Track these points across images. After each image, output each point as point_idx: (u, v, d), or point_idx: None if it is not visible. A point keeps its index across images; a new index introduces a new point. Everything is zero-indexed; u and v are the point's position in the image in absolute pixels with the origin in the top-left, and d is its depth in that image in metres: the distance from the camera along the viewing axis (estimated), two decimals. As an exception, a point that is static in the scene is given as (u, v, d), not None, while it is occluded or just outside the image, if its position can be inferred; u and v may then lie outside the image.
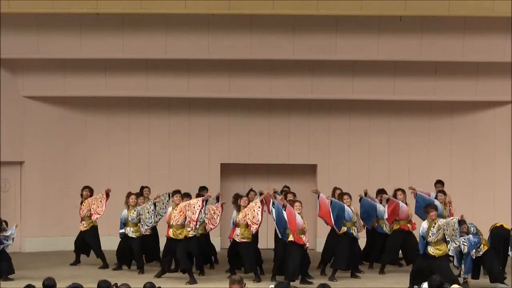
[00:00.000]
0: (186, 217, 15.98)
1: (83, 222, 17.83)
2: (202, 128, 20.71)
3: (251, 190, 17.94)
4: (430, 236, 14.46)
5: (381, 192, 17.79)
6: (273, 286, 9.95)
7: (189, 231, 16.10)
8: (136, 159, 20.69)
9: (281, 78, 19.89)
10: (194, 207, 15.95)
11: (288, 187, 18.75)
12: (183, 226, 16.06)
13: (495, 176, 20.08)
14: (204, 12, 18.89)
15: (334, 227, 16.30)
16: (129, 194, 17.45)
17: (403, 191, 17.19)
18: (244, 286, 9.09)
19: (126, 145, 20.73)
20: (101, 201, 17.60)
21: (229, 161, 20.81)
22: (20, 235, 19.62)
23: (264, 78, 19.89)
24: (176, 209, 16.14)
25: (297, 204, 15.82)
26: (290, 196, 17.22)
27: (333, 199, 16.56)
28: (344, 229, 16.31)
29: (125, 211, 17.29)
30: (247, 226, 16.01)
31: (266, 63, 19.68)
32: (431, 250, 14.48)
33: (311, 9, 18.77)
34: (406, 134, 20.65)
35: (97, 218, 17.53)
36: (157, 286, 10.20)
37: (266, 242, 19.21)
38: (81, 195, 18.04)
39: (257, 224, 15.87)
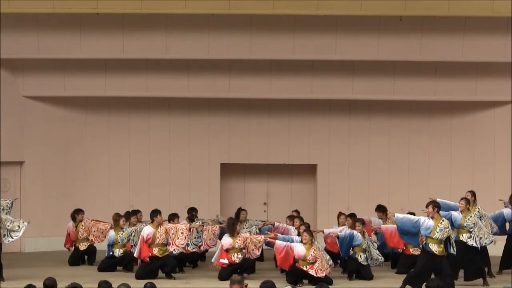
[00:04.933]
0: (168, 238, 16.14)
1: (83, 243, 17.91)
2: (202, 128, 20.71)
3: (241, 209, 18.13)
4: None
5: (380, 208, 17.93)
6: None
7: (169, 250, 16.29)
8: (136, 159, 20.70)
9: (281, 78, 19.89)
10: (179, 233, 16.10)
11: (297, 211, 18.59)
12: (165, 245, 16.18)
13: (495, 176, 20.08)
14: (204, 12, 18.89)
15: (342, 254, 16.38)
16: (119, 216, 17.34)
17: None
18: (245, 286, 9.08)
19: (126, 145, 20.73)
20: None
21: (229, 161, 20.81)
22: (20, 235, 19.64)
23: (264, 78, 19.88)
24: (161, 229, 16.12)
25: (305, 235, 15.63)
26: (296, 222, 17.25)
27: (340, 234, 16.29)
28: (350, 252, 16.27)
29: (112, 234, 17.19)
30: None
31: (266, 63, 19.68)
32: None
33: (311, 9, 18.77)
34: (406, 134, 20.65)
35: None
36: (157, 286, 10.18)
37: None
38: (74, 217, 18.06)
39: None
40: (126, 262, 16.96)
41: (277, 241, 15.79)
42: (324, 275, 15.31)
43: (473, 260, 15.19)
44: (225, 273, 15.77)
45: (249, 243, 16.20)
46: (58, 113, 20.42)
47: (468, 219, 15.16)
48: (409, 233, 14.69)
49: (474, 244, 15.14)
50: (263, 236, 16.39)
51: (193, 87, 20.01)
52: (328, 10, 18.77)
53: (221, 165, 20.81)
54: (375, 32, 19.22)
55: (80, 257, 18.04)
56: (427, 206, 14.58)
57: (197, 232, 17.19)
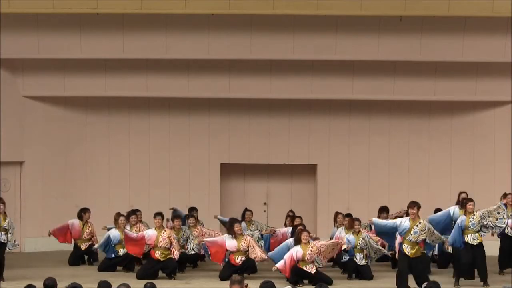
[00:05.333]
0: (171, 243, 16.24)
1: (84, 243, 17.97)
2: (202, 128, 20.71)
3: (246, 209, 18.07)
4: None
5: (384, 210, 17.85)
6: None
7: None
8: (136, 159, 20.70)
9: (281, 78, 19.89)
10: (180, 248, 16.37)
11: (293, 212, 18.60)
12: (169, 249, 16.23)
13: (495, 176, 20.08)
14: (204, 12, 18.89)
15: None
16: (119, 216, 17.36)
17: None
18: (245, 286, 9.08)
19: (126, 145, 20.74)
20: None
21: (229, 161, 20.81)
22: (20, 235, 19.62)
23: (264, 78, 19.88)
24: (164, 234, 16.22)
25: (304, 234, 15.66)
26: (298, 221, 17.25)
27: (345, 247, 16.34)
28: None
29: (116, 233, 17.19)
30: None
31: (266, 63, 19.68)
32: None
33: (311, 9, 18.77)
34: (406, 134, 20.65)
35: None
36: (157, 286, 10.17)
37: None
38: (80, 216, 18.09)
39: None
40: (126, 262, 16.97)
41: (277, 264, 15.66)
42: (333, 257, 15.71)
43: (483, 259, 15.24)
44: (226, 273, 15.79)
45: (251, 251, 16.24)
46: (58, 113, 20.42)
47: (473, 218, 15.18)
48: (387, 233, 14.96)
49: (499, 231, 15.51)
50: (267, 256, 16.40)
51: (193, 87, 20.01)
52: (328, 10, 18.77)
53: (221, 165, 20.81)
54: (375, 32, 19.22)
55: (80, 257, 18.06)
56: (412, 207, 14.61)
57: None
